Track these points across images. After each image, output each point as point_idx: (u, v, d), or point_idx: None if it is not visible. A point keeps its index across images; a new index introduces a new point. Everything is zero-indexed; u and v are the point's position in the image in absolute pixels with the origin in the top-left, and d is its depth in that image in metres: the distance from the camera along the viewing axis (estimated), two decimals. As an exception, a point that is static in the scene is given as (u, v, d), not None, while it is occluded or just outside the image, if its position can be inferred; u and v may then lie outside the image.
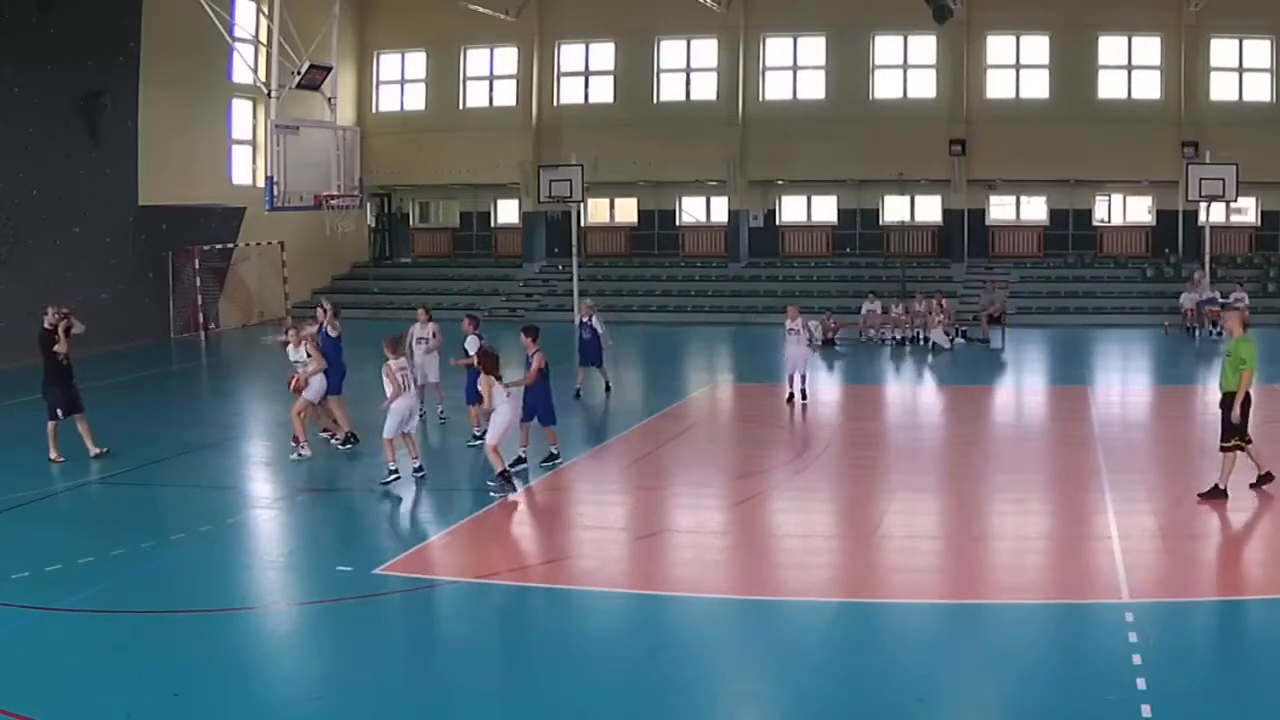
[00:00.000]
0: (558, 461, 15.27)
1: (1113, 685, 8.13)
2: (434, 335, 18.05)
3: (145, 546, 11.93)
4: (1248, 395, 12.73)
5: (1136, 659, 8.51)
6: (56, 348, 15.78)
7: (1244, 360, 12.73)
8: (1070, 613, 9.93)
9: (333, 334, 16.91)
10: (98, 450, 15.94)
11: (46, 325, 15.90)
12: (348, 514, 13.74)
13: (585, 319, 21.00)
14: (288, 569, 11.78)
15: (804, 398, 19.87)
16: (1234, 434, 12.82)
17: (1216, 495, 12.85)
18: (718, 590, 10.86)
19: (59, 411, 15.83)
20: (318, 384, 16.15)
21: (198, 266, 32.05)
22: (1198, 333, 29.45)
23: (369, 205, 38.57)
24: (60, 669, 8.84)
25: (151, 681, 8.60)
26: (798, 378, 19.89)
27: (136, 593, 10.73)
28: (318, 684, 8.79)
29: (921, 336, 29.04)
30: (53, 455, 15.69)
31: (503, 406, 13.90)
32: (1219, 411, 13.17)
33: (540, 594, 10.82)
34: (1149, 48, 34.93)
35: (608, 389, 20.94)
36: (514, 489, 13.92)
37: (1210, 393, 23.43)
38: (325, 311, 17.33)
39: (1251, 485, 13.12)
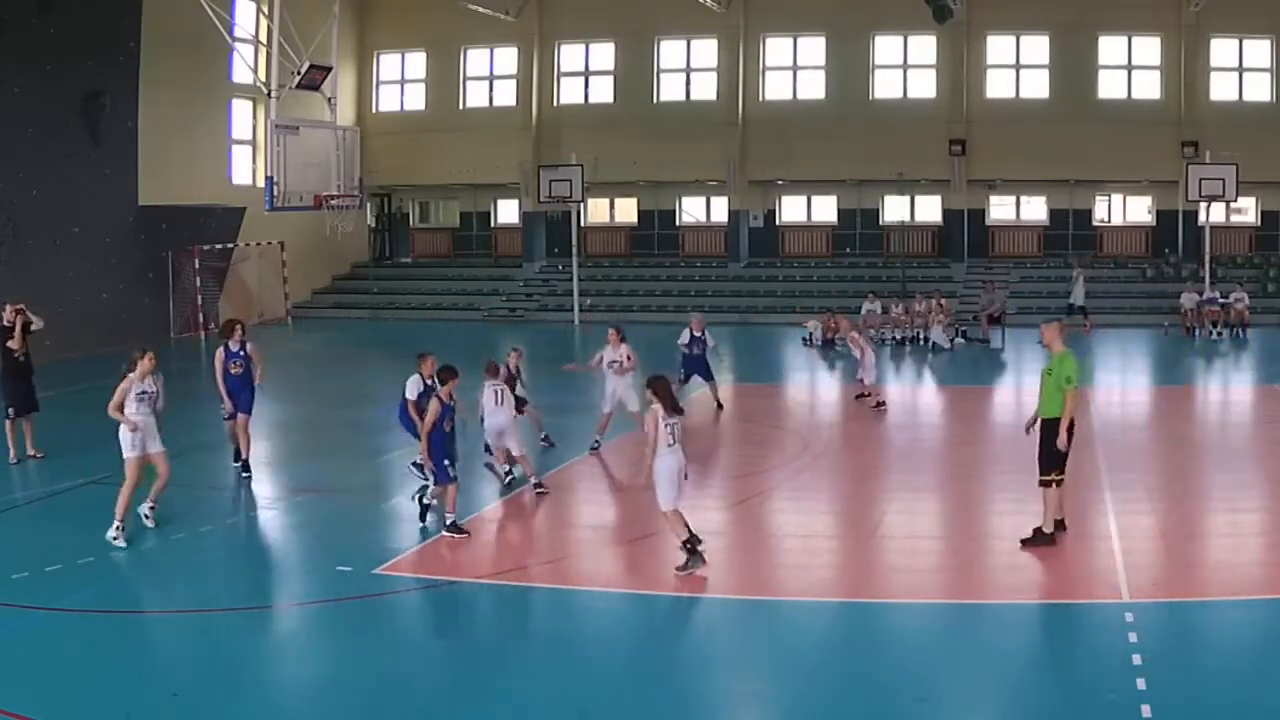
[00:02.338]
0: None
1: (1113, 685, 8.13)
2: (628, 358, 16.41)
3: (145, 547, 11.92)
4: (1072, 420, 11.21)
5: (1136, 659, 8.51)
6: (9, 343, 15.72)
7: (1069, 379, 11.11)
8: (1070, 613, 9.93)
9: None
10: (34, 452, 15.87)
11: (5, 322, 15.84)
12: (348, 514, 13.70)
13: (698, 333, 19.51)
14: (288, 569, 11.79)
15: (878, 401, 19.76)
16: (1056, 465, 11.24)
17: (1041, 540, 11.28)
18: (718, 590, 10.84)
19: (11, 410, 15.80)
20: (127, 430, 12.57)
21: (198, 266, 32.03)
22: (1197, 333, 29.48)
23: (369, 205, 38.57)
24: (60, 669, 8.83)
25: (151, 681, 8.61)
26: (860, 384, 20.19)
27: (136, 593, 10.73)
28: (318, 684, 8.80)
29: (921, 336, 29.06)
30: (11, 457, 15.62)
31: (665, 455, 10.78)
32: (1037, 439, 11.47)
33: (540, 594, 10.81)
34: (1149, 48, 34.92)
35: (720, 407, 19.70)
36: (701, 560, 10.91)
37: (1210, 393, 23.61)
38: (518, 353, 15.94)
39: (1024, 541, 11.31)
